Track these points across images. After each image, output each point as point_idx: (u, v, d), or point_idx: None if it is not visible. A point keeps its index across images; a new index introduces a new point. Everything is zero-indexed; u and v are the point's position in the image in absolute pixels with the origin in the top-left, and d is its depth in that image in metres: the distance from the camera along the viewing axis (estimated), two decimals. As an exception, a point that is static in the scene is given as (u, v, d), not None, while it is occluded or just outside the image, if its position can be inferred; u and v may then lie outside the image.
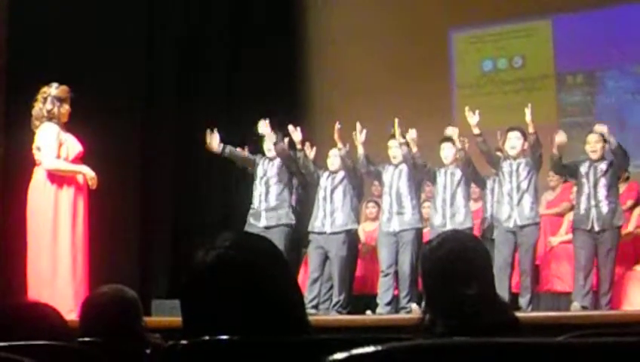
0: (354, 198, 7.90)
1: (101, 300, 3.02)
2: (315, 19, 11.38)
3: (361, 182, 8.04)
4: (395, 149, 7.77)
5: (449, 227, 7.24)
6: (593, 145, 7.40)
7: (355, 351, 1.05)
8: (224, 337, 1.56)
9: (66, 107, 6.66)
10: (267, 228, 7.75)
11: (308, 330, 1.70)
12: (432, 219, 7.72)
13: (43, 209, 6.50)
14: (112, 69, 8.88)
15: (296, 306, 1.72)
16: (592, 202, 7.28)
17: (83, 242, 6.56)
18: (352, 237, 7.84)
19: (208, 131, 8.08)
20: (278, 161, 7.97)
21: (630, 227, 8.60)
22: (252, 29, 10.54)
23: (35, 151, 6.59)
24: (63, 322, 2.47)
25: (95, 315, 2.98)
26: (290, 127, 7.90)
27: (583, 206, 7.34)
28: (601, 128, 7.53)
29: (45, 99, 6.60)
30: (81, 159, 6.68)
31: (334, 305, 7.60)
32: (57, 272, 6.41)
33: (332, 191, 7.80)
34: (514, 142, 7.45)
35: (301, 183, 8.24)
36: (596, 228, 7.23)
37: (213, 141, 8.06)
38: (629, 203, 8.90)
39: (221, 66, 10.35)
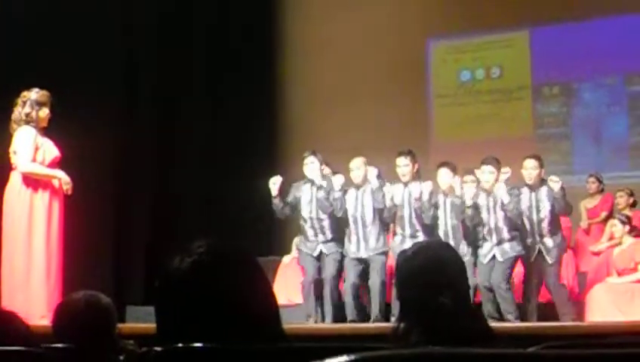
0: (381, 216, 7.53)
1: (75, 306, 3.00)
2: (291, 31, 11.36)
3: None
4: (403, 168, 7.42)
5: None
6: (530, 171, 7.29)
7: (328, 360, 1.05)
8: (198, 344, 1.56)
9: (46, 111, 6.60)
10: (321, 256, 7.55)
11: (283, 338, 1.70)
12: None
13: (18, 213, 6.45)
14: (92, 75, 8.85)
15: (271, 314, 1.72)
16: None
17: (57, 247, 6.50)
18: (386, 257, 7.50)
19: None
20: (322, 189, 7.53)
21: (603, 239, 8.66)
22: (230, 33, 10.55)
23: (11, 154, 6.55)
24: (27, 329, 2.45)
25: (69, 321, 2.95)
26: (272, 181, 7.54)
27: None
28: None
29: (24, 102, 6.56)
30: (57, 164, 6.62)
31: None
32: (31, 277, 6.35)
33: (362, 216, 7.45)
34: (487, 176, 7.24)
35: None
36: None
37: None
38: (603, 214, 8.96)
39: (201, 73, 10.33)
